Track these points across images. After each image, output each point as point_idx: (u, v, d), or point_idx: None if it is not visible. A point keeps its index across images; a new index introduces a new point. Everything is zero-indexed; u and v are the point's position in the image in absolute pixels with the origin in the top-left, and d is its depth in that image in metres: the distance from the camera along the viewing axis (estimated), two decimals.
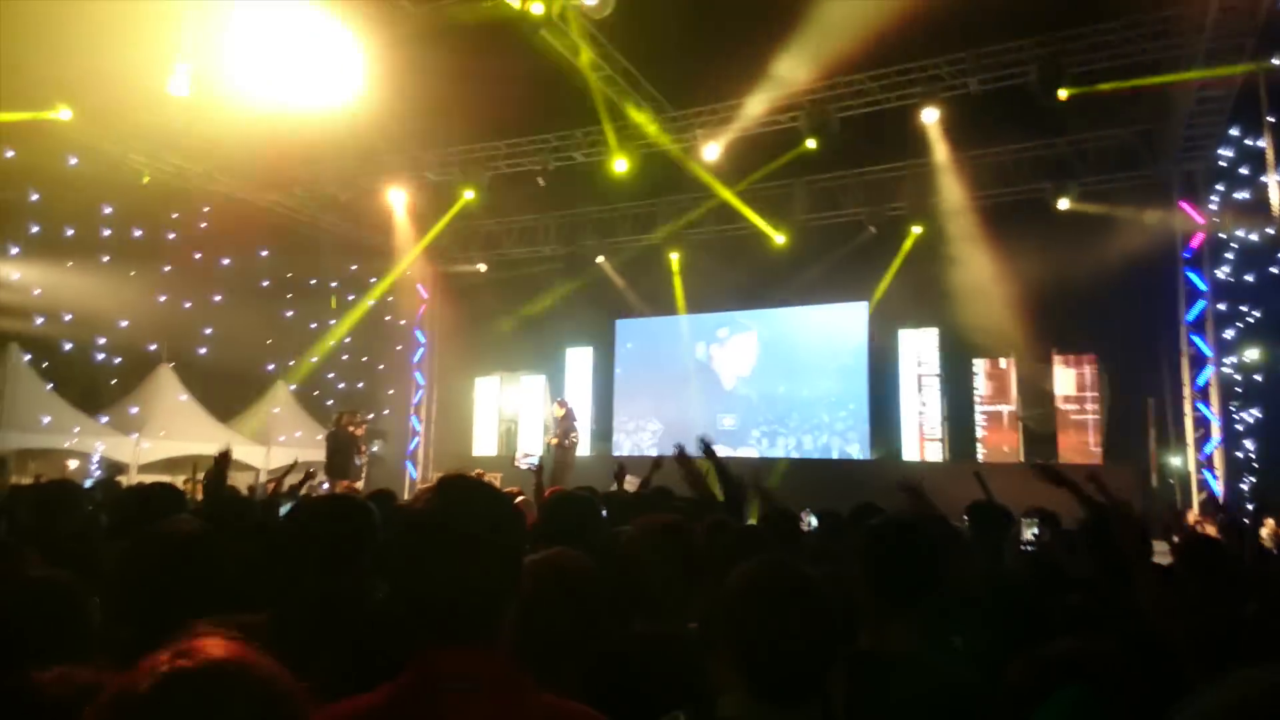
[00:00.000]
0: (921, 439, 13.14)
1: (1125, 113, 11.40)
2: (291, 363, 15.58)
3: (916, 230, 13.14)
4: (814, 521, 6.24)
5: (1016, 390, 12.67)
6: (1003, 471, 11.16)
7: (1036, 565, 2.68)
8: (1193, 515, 10.38)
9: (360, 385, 16.68)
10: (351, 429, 11.69)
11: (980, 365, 12.92)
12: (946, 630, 1.91)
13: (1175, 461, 11.88)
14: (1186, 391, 11.79)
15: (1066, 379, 12.37)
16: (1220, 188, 11.66)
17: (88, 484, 10.15)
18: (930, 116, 10.80)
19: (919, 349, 13.37)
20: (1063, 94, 9.75)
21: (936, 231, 12.99)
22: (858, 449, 13.62)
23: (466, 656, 1.29)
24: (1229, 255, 11.61)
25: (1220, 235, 11.68)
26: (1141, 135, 11.94)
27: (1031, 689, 1.38)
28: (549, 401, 15.62)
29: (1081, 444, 12.12)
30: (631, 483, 6.79)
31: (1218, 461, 11.44)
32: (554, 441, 12.50)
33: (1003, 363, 12.79)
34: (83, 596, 1.84)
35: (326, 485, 11.67)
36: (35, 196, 12.24)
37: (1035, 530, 4.97)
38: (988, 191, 12.64)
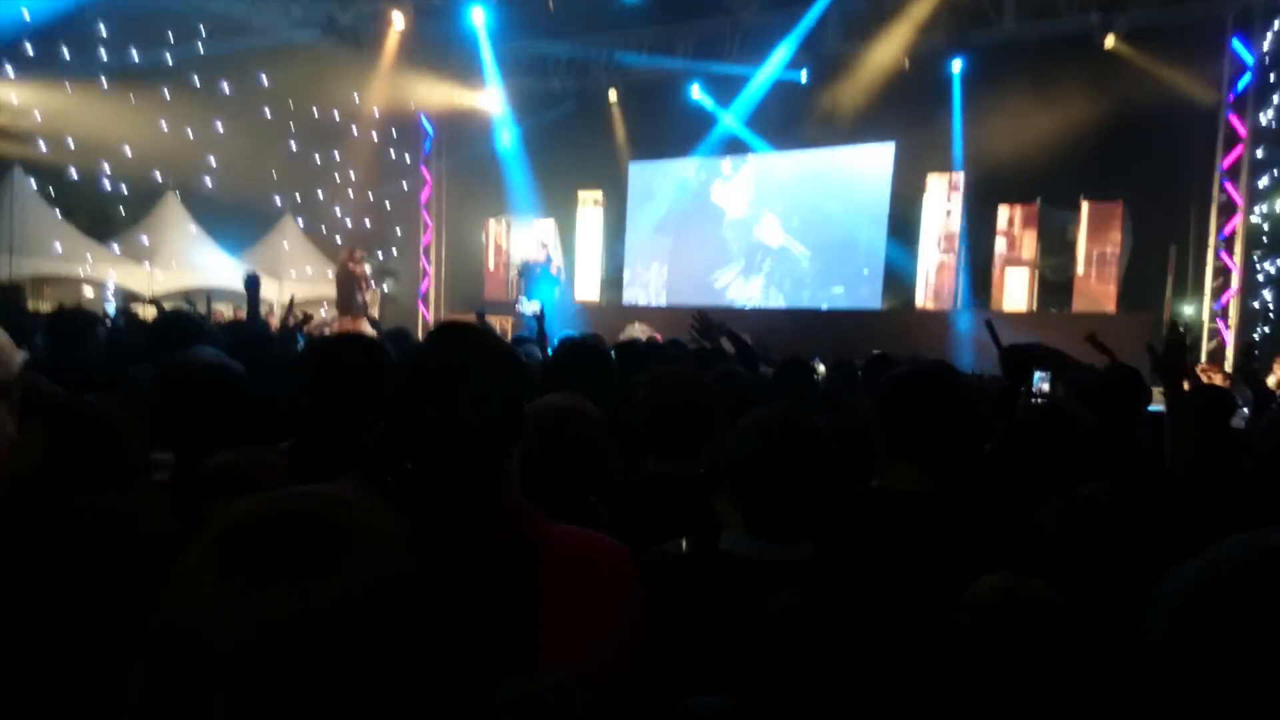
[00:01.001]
0: (936, 288, 12.99)
1: None
2: (298, 197, 15.33)
3: (956, 67, 12.47)
4: (822, 371, 6.33)
5: (1038, 238, 12.39)
6: (1015, 321, 11.15)
7: (1051, 415, 2.70)
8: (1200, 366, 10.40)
9: (367, 222, 16.42)
10: (351, 265, 11.67)
11: (1005, 212, 12.54)
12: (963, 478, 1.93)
13: (1189, 311, 11.78)
14: (1211, 240, 11.54)
15: (1090, 225, 12.05)
16: (1277, 25, 10.89)
17: (110, 310, 10.30)
18: None
19: (945, 195, 12.97)
20: None
21: (973, 69, 12.33)
22: (869, 298, 13.43)
23: (469, 507, 1.28)
24: (1276, 98, 11.01)
25: (1270, 78, 11.02)
26: None
27: (1062, 533, 1.42)
28: (559, 246, 15.39)
29: (1099, 293, 11.96)
30: (642, 330, 6.90)
31: (1232, 311, 11.35)
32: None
33: (1028, 209, 12.42)
34: (125, 426, 1.85)
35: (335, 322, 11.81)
36: (28, 16, 11.63)
37: (1046, 382, 4.98)
38: (1030, 24, 11.83)
